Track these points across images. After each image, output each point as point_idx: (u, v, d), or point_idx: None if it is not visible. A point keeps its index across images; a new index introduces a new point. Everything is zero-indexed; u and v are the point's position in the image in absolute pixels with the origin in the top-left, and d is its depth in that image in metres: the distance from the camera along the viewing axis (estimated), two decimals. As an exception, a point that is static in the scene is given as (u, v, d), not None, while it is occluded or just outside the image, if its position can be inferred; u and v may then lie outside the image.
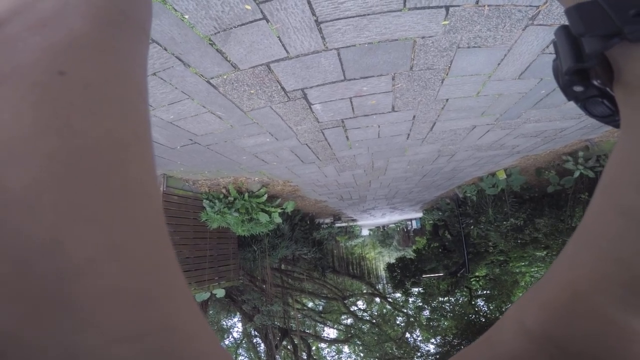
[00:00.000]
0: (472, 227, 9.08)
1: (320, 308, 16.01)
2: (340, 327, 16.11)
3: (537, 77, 2.43)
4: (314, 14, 1.56)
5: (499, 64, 2.17)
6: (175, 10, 1.44)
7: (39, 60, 0.14)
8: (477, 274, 12.36)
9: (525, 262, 9.76)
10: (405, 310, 16.36)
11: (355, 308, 17.08)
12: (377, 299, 17.94)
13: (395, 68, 2.10)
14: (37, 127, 0.13)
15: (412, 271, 13.57)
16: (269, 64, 1.90)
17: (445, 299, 14.12)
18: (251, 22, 1.56)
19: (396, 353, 14.64)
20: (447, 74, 2.25)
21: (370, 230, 31.40)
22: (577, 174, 5.50)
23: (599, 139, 5.06)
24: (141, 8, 0.21)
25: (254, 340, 12.20)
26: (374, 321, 16.35)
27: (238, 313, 11.34)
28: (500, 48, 1.99)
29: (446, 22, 1.71)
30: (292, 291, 12.95)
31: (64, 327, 0.12)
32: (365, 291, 18.24)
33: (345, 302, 16.06)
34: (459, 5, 1.60)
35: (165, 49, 1.65)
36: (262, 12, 1.51)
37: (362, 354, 15.24)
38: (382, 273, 19.68)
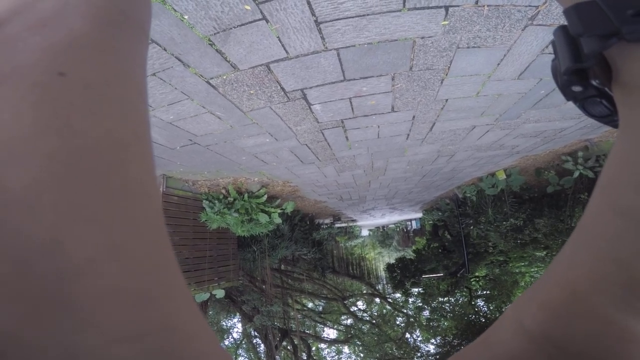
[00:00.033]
0: (471, 227, 9.08)
1: (320, 308, 15.99)
2: (340, 328, 16.10)
3: (536, 77, 2.44)
4: (313, 14, 1.56)
5: (498, 64, 2.18)
6: (175, 10, 1.44)
7: (39, 60, 0.14)
8: (477, 274, 12.36)
9: (525, 262, 9.76)
10: (405, 311, 16.35)
11: (355, 308, 17.08)
12: (377, 300, 17.93)
13: (395, 68, 2.11)
14: (37, 127, 0.13)
15: (412, 271, 13.56)
16: (269, 64, 1.90)
17: (445, 299, 14.12)
18: (251, 22, 1.56)
19: (396, 353, 14.63)
20: (446, 74, 2.25)
21: (370, 230, 31.39)
22: (576, 174, 5.51)
23: (599, 139, 5.07)
24: (141, 8, 0.21)
25: (254, 341, 12.18)
26: (374, 321, 16.35)
27: (238, 314, 11.33)
28: (499, 48, 1.99)
29: (446, 23, 1.71)
30: (291, 292, 12.94)
31: (64, 327, 0.12)
32: (365, 291, 18.23)
33: (345, 302, 16.05)
34: (458, 6, 1.60)
35: (165, 49, 1.65)
36: (261, 12, 1.51)
37: (362, 355, 15.23)
38: (382, 273, 19.68)
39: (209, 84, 2.01)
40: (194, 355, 0.15)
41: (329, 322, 15.89)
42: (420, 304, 15.27)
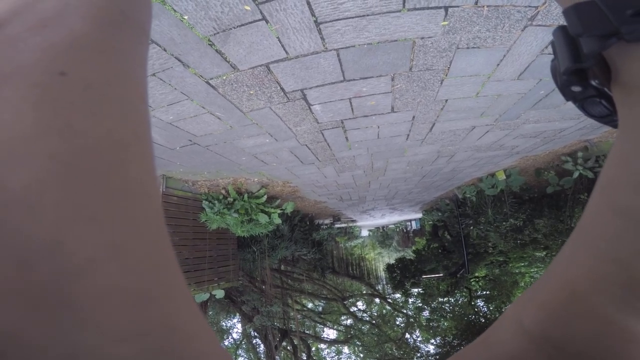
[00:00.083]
0: (471, 227, 9.08)
1: (320, 309, 15.98)
2: (340, 328, 16.09)
3: (536, 78, 2.44)
4: (313, 14, 1.56)
5: (498, 64, 2.18)
6: (175, 10, 1.44)
7: (40, 60, 0.15)
8: (476, 274, 12.36)
9: (524, 262, 9.76)
10: (405, 311, 16.34)
11: (355, 309, 17.06)
12: (377, 300, 17.92)
13: (395, 69, 2.11)
14: (38, 128, 0.13)
15: (412, 272, 13.56)
16: (269, 65, 1.90)
17: (445, 299, 14.11)
18: (250, 22, 1.56)
19: (396, 354, 14.61)
20: (446, 75, 2.25)
21: (369, 231, 31.40)
22: (576, 174, 5.51)
23: (598, 139, 5.07)
24: (141, 9, 0.21)
25: (254, 341, 12.17)
26: (374, 322, 16.33)
27: (237, 314, 11.32)
28: (499, 49, 1.99)
29: (445, 23, 1.71)
30: (291, 292, 12.93)
31: (64, 326, 0.12)
32: (364, 292, 18.21)
33: (345, 302, 16.04)
34: (458, 6, 1.60)
35: (165, 50, 1.65)
36: (261, 12, 1.51)
37: (361, 355, 15.22)
38: (382, 274, 19.67)
39: (209, 84, 2.01)
40: (194, 355, 0.15)
41: (328, 323, 15.88)
42: (420, 304, 15.27)
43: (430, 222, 13.95)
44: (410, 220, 22.37)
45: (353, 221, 17.13)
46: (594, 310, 0.20)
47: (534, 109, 3.10)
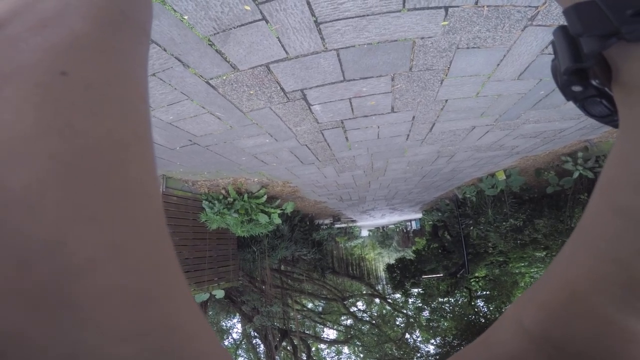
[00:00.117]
0: (471, 227, 9.08)
1: (320, 309, 15.98)
2: (340, 328, 16.08)
3: (536, 78, 2.44)
4: (313, 14, 1.56)
5: (498, 64, 2.18)
6: (175, 10, 1.44)
7: (41, 60, 0.15)
8: (476, 274, 12.36)
9: (524, 262, 9.76)
10: (404, 311, 16.34)
11: (355, 309, 17.06)
12: (377, 300, 17.91)
13: (395, 69, 2.11)
14: (39, 128, 0.13)
15: (412, 272, 13.56)
16: (269, 65, 1.90)
17: (445, 299, 14.11)
18: (250, 22, 1.56)
19: (396, 354, 14.61)
20: (446, 75, 2.25)
21: (369, 231, 31.40)
22: (576, 174, 5.51)
23: (598, 139, 5.07)
24: (142, 9, 0.21)
25: (254, 341, 12.17)
26: (374, 322, 16.33)
27: (237, 314, 11.32)
28: (499, 49, 1.99)
29: (445, 23, 1.71)
30: (291, 292, 12.93)
31: (64, 326, 0.12)
32: (364, 292, 18.21)
33: (345, 303, 16.04)
34: (458, 6, 1.61)
35: (165, 50, 1.65)
36: (261, 12, 1.51)
37: (361, 355, 15.22)
38: (382, 274, 19.67)
39: (209, 84, 2.01)
40: (194, 354, 0.15)
41: (328, 323, 15.88)
42: (420, 305, 15.27)
43: (430, 222, 13.96)
44: (410, 221, 22.37)
45: (353, 221, 17.13)
46: (594, 310, 0.20)
47: (534, 109, 3.10)
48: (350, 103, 2.52)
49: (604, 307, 0.19)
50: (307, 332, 14.91)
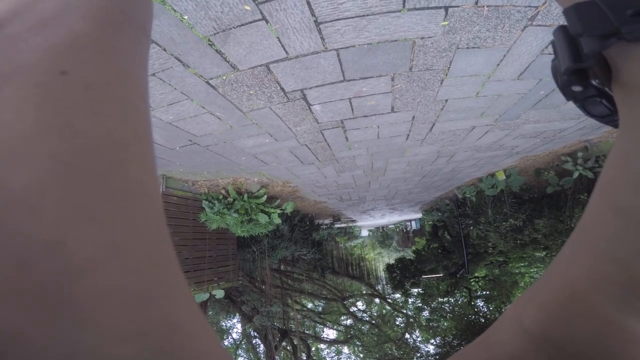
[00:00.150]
0: (471, 227, 9.09)
1: (320, 309, 15.98)
2: (339, 328, 16.08)
3: (536, 78, 2.44)
4: (313, 14, 1.56)
5: (498, 64, 2.18)
6: (175, 10, 1.44)
7: (41, 60, 0.15)
8: (476, 274, 12.36)
9: (524, 262, 9.76)
10: (404, 311, 16.34)
11: (355, 309, 17.06)
12: (377, 300, 17.92)
13: (395, 69, 2.11)
14: (39, 128, 0.13)
15: (412, 272, 13.56)
16: (269, 65, 1.90)
17: (445, 299, 14.11)
18: (250, 22, 1.56)
19: (396, 354, 14.61)
20: (446, 75, 2.25)
21: (369, 231, 31.40)
22: (576, 174, 5.51)
23: (598, 139, 5.07)
24: (142, 9, 0.21)
25: (254, 341, 12.17)
26: (374, 322, 16.33)
27: (237, 314, 11.32)
28: (499, 49, 1.99)
29: (445, 23, 1.71)
30: (291, 292, 12.93)
31: (64, 326, 0.12)
32: (364, 292, 18.21)
33: (345, 302, 16.04)
34: (458, 6, 1.61)
35: (165, 50, 1.65)
36: (261, 12, 1.51)
37: (361, 355, 15.22)
38: (382, 274, 19.67)
39: (209, 84, 2.01)
40: (194, 354, 0.15)
41: (328, 323, 15.88)
42: (419, 305, 15.27)
43: (430, 222, 13.96)
44: (410, 221, 22.37)
45: (353, 221, 17.13)
46: (593, 310, 0.20)
47: (534, 109, 3.10)
48: (350, 103, 2.52)
49: (604, 307, 0.19)
50: (307, 332, 14.91)
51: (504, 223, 7.39)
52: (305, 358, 13.48)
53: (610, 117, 0.24)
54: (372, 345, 14.97)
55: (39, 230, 0.12)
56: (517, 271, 10.66)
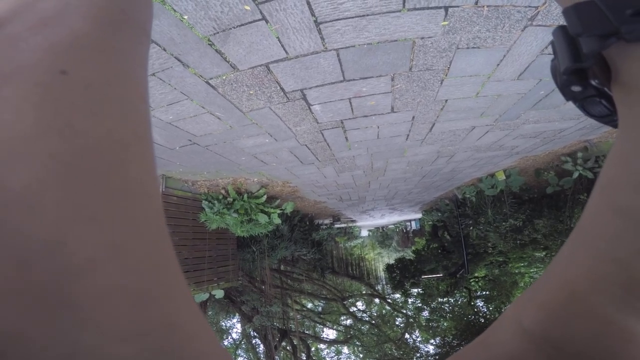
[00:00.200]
0: (471, 228, 9.09)
1: (320, 309, 15.97)
2: (339, 328, 16.08)
3: (536, 78, 2.44)
4: (313, 14, 1.56)
5: (498, 64, 2.18)
6: (175, 10, 1.44)
7: (41, 60, 0.15)
8: (476, 274, 12.36)
9: (524, 262, 9.76)
10: (404, 311, 16.34)
11: (355, 309, 17.06)
12: (377, 300, 17.92)
13: (395, 69, 2.11)
14: (38, 127, 0.13)
15: (412, 272, 13.56)
16: (268, 65, 1.90)
17: (445, 299, 14.11)
18: (250, 22, 1.56)
19: (395, 354, 14.61)
20: (446, 75, 2.25)
21: (369, 231, 31.40)
22: (576, 174, 5.52)
23: (598, 139, 5.08)
24: (142, 8, 0.21)
25: (253, 341, 12.17)
26: (374, 322, 16.33)
27: (237, 314, 11.32)
28: (499, 49, 1.99)
29: (445, 23, 1.71)
30: (291, 292, 12.93)
31: (64, 326, 0.12)
32: (364, 292, 18.21)
33: (345, 302, 16.03)
34: (458, 6, 1.61)
35: (165, 50, 1.65)
36: (261, 12, 1.51)
37: (361, 355, 15.22)
38: (382, 274, 19.67)
39: (209, 84, 2.01)
40: (194, 354, 0.15)
41: (328, 323, 15.87)
42: (419, 305, 15.27)
43: (430, 223, 13.96)
44: (410, 221, 22.37)
45: (353, 221, 17.13)
46: (593, 310, 0.19)
47: (533, 109, 3.10)
48: (350, 103, 2.52)
49: (604, 307, 0.19)
50: (307, 332, 14.91)
51: (503, 223, 7.40)
52: (304, 358, 13.48)
53: (609, 117, 0.24)
54: (372, 346, 14.97)
55: (39, 230, 0.12)
56: (516, 271, 10.66)
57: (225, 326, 12.29)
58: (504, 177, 6.55)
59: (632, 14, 0.18)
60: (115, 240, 0.14)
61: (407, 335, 15.27)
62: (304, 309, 15.14)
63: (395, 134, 3.37)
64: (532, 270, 9.96)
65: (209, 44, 1.67)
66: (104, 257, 0.13)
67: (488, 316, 12.89)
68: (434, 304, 14.48)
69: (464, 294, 13.59)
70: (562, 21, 0.23)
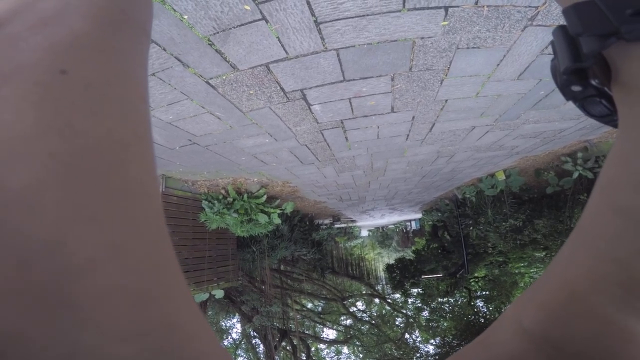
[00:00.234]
0: (471, 228, 9.09)
1: (320, 309, 15.98)
2: (339, 328, 16.08)
3: (536, 78, 2.44)
4: (313, 14, 1.56)
5: (498, 64, 2.18)
6: (175, 10, 1.44)
7: (41, 59, 0.15)
8: (476, 274, 12.36)
9: (524, 263, 9.76)
10: (404, 311, 16.34)
11: (355, 309, 17.06)
12: (377, 300, 17.92)
13: (395, 69, 2.11)
14: (38, 127, 0.13)
15: (412, 272, 13.57)
16: (268, 65, 1.90)
17: (445, 299, 14.11)
18: (250, 22, 1.56)
19: (395, 354, 14.61)
20: (446, 75, 2.25)
21: (369, 231, 31.40)
22: (576, 174, 5.52)
23: (598, 139, 5.08)
24: (142, 8, 0.21)
25: (253, 341, 12.17)
26: (373, 322, 16.33)
27: (237, 314, 11.32)
28: (499, 49, 1.99)
29: (445, 23, 1.71)
30: (291, 292, 12.93)
31: (64, 326, 0.12)
32: (364, 292, 18.21)
33: (345, 302, 16.03)
34: (458, 6, 1.61)
35: (165, 49, 1.65)
36: (261, 12, 1.51)
37: (361, 355, 15.22)
38: (382, 274, 19.67)
39: (209, 84, 2.01)
40: (194, 354, 0.15)
41: (328, 323, 15.87)
42: (419, 305, 15.27)
43: (430, 223, 13.97)
44: (410, 221, 22.38)
45: (353, 221, 17.13)
46: (593, 310, 0.19)
47: (533, 109, 3.10)
48: (350, 103, 2.52)
49: (604, 307, 0.19)
50: (307, 332, 14.91)
51: (503, 223, 7.40)
52: (304, 358, 13.48)
53: (609, 117, 0.24)
54: (372, 346, 14.97)
55: (39, 230, 0.12)
56: (516, 271, 10.66)
57: (225, 326, 12.29)
58: (504, 177, 6.55)
59: (632, 14, 0.18)
60: (115, 240, 0.14)
61: (407, 335, 15.27)
62: (304, 309, 15.14)
63: (395, 134, 3.37)
64: (532, 270, 9.96)
65: (209, 44, 1.67)
66: (104, 257, 0.13)
67: (488, 316, 12.89)
68: (433, 304, 14.48)
69: (464, 294, 13.59)
70: (562, 21, 0.23)
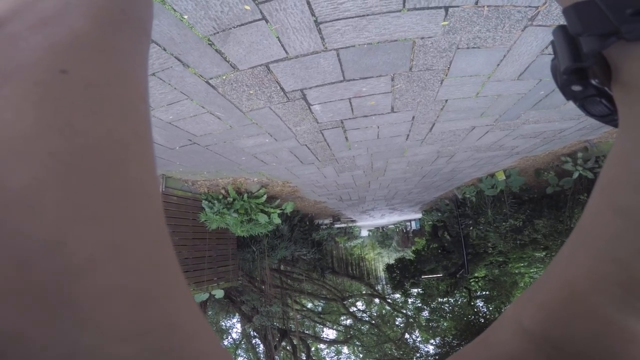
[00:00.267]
0: (471, 228, 9.09)
1: (320, 309, 15.98)
2: (339, 328, 16.08)
3: (536, 78, 2.44)
4: (313, 14, 1.56)
5: (498, 64, 2.18)
6: (175, 10, 1.44)
7: (41, 59, 0.15)
8: (476, 274, 12.36)
9: (524, 263, 9.76)
10: (404, 311, 16.35)
11: (355, 309, 17.06)
12: (377, 300, 17.92)
13: (395, 69, 2.11)
14: (39, 127, 0.13)
15: (412, 272, 13.57)
16: (268, 65, 1.90)
17: (445, 299, 14.12)
18: (250, 22, 1.56)
19: (395, 354, 14.62)
20: (446, 75, 2.25)
21: (369, 231, 31.40)
22: (576, 174, 5.52)
23: (598, 139, 5.08)
24: (142, 8, 0.21)
25: (253, 341, 12.17)
26: (373, 322, 16.33)
27: (237, 314, 11.32)
28: (499, 49, 1.99)
29: (445, 23, 1.71)
30: (291, 292, 12.93)
31: (64, 326, 0.12)
32: (364, 292, 18.21)
33: (345, 302, 16.03)
34: (458, 6, 1.61)
35: (165, 49, 1.65)
36: (261, 12, 1.51)
37: (361, 355, 15.22)
38: (382, 274, 19.67)
39: (209, 84, 2.01)
40: (194, 354, 0.15)
41: (328, 323, 15.88)
42: (419, 305, 15.27)
43: (430, 223, 13.96)
44: (410, 221, 22.38)
45: (353, 221, 17.13)
46: (593, 310, 0.19)
47: (534, 109, 3.10)
48: (350, 103, 2.52)
49: (604, 307, 0.19)
50: (307, 332, 14.91)
51: (503, 223, 7.40)
52: (304, 358, 13.48)
53: (610, 117, 0.24)
54: (372, 345, 14.98)
55: (39, 230, 0.12)
56: (516, 271, 10.66)
57: (225, 326, 12.29)
58: (504, 177, 6.55)
59: (632, 14, 0.18)
60: (115, 240, 0.14)
61: (407, 335, 15.28)
62: (304, 309, 15.14)
63: (395, 134, 3.37)
64: (532, 270, 9.96)
65: (209, 44, 1.67)
66: (104, 257, 0.13)
67: (488, 316, 12.90)
68: (433, 304, 14.48)
69: (463, 294, 13.59)
70: (562, 21, 0.23)
